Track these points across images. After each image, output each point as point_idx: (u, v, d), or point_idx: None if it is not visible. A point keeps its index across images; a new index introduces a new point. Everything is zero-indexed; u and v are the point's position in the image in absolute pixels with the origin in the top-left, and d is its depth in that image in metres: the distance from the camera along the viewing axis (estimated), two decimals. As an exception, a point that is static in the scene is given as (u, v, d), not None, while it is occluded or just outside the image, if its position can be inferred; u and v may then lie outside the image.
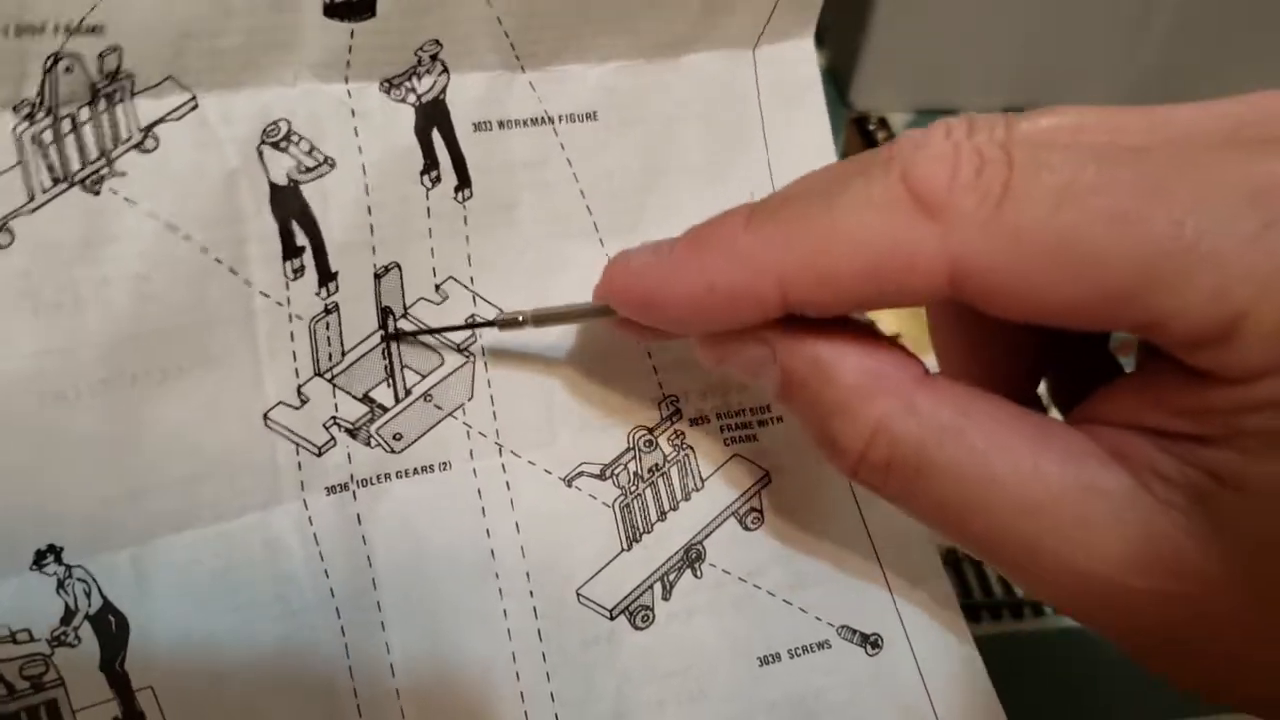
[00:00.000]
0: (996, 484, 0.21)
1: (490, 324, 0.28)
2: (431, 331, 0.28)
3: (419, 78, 0.28)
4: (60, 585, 0.24)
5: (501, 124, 0.29)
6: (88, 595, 0.24)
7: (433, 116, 0.28)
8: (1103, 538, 0.20)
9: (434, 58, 0.28)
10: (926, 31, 0.57)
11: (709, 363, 0.25)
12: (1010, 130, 0.20)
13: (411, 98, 0.28)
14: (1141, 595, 0.20)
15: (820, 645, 0.29)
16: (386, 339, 0.28)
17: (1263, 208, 0.18)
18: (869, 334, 0.23)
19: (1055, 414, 0.24)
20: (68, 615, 0.24)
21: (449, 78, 0.28)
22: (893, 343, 0.23)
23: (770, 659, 0.29)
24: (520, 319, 0.27)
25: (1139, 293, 0.18)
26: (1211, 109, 0.20)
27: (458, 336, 0.28)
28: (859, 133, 0.48)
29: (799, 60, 0.32)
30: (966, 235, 0.19)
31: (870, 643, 0.29)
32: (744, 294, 0.22)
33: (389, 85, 0.27)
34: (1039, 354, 0.25)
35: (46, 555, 0.24)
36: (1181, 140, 0.19)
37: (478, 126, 0.28)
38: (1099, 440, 0.21)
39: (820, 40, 0.32)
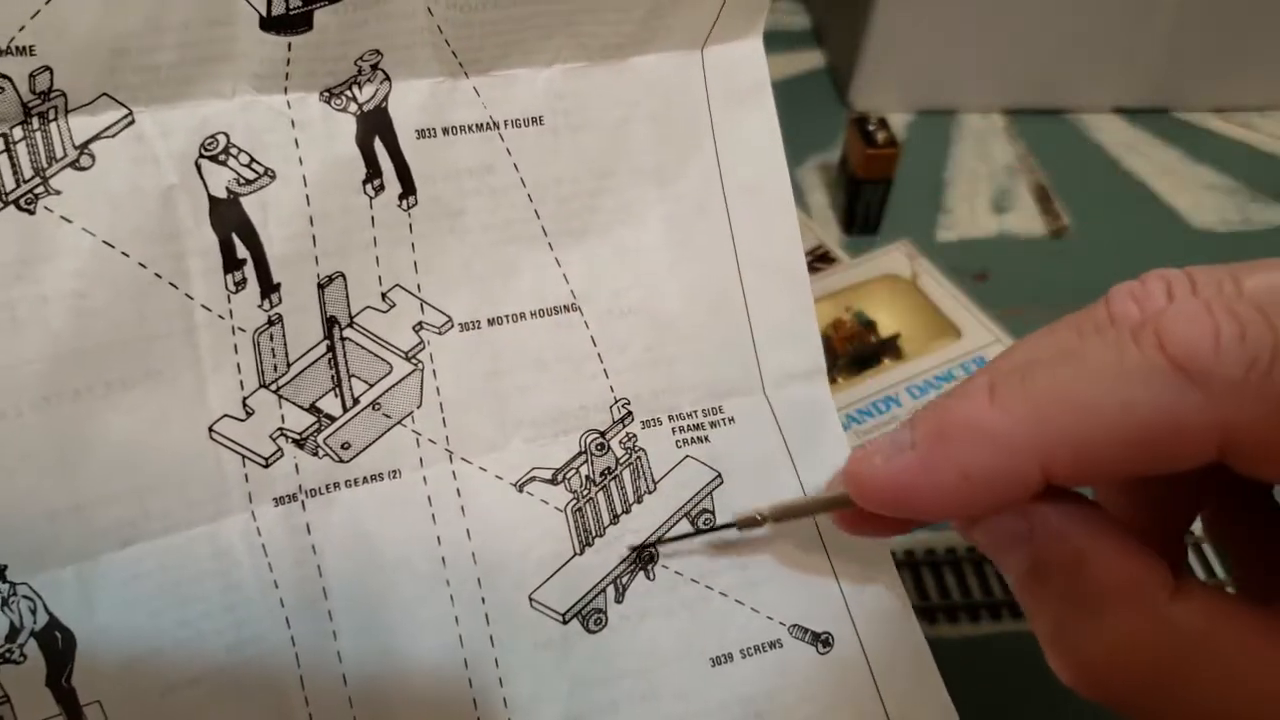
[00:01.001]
0: (1250, 693, 0.20)
1: (730, 526, 0.28)
2: (680, 538, 0.29)
3: (359, 87, 0.27)
4: (4, 603, 0.24)
5: (446, 130, 0.28)
6: (33, 613, 0.24)
7: (375, 125, 0.28)
8: None
9: (374, 66, 0.27)
10: (926, 31, 0.57)
11: (964, 534, 0.24)
12: (1240, 287, 0.20)
13: (353, 107, 0.27)
14: None
15: (772, 645, 0.29)
16: (636, 552, 0.29)
17: None
18: (1124, 530, 0.22)
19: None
20: (12, 633, 0.24)
21: (390, 85, 0.28)
22: (1145, 545, 0.22)
23: (722, 659, 0.29)
24: (760, 517, 0.27)
25: None
26: None
27: (405, 343, 0.28)
28: (859, 133, 0.48)
29: (748, 60, 0.31)
30: (1239, 403, 0.18)
31: (821, 641, 0.29)
32: (1002, 479, 0.21)
33: (329, 95, 0.27)
34: (1202, 495, 0.25)
35: (-10, 573, 0.24)
36: None
37: (421, 134, 0.28)
38: None
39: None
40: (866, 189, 0.48)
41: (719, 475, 0.30)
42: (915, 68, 0.59)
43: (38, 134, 0.24)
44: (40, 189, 0.24)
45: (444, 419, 0.28)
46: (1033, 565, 0.22)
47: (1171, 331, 0.19)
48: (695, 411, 0.30)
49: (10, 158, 0.24)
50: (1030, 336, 0.22)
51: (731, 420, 0.31)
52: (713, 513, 0.30)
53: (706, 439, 0.30)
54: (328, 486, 0.27)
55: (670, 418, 0.30)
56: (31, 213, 0.24)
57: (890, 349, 0.45)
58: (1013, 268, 0.51)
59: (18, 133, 0.24)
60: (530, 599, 0.28)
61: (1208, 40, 0.59)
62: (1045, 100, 0.61)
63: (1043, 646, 0.22)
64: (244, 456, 0.27)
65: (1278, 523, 0.24)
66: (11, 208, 0.24)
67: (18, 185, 0.24)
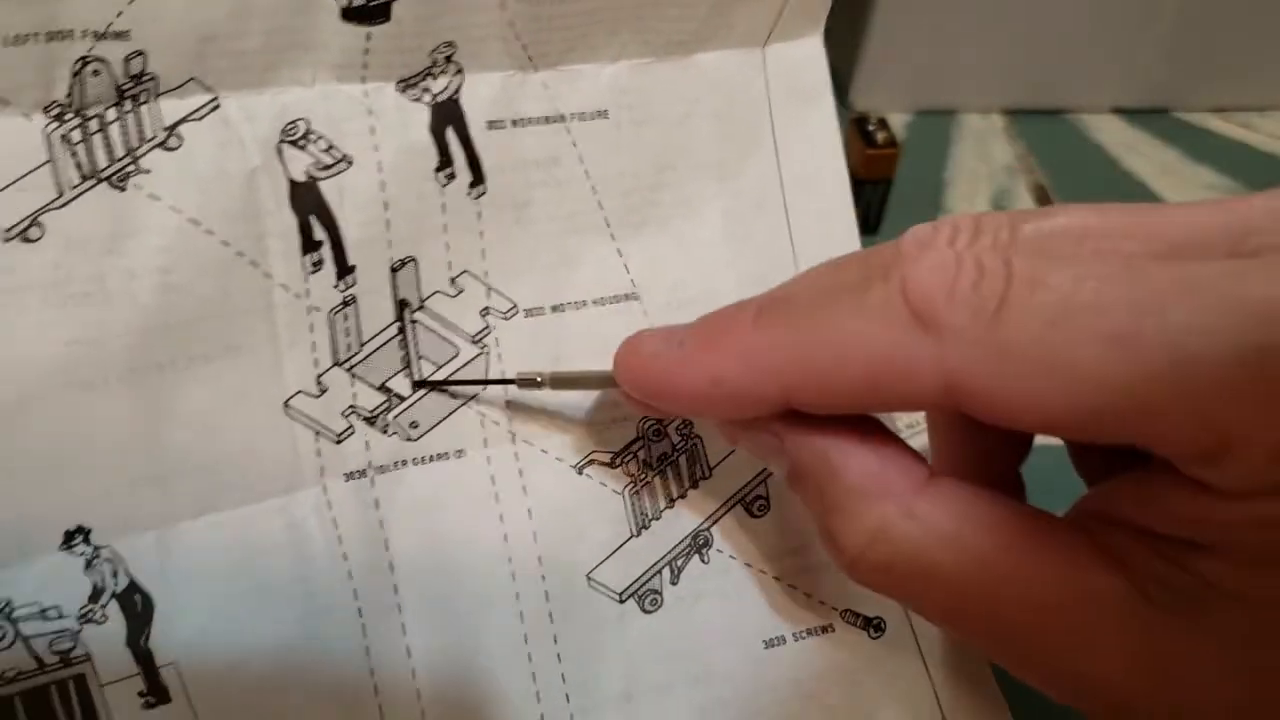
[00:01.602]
0: (996, 590, 0.21)
1: (510, 381, 0.28)
2: (457, 383, 0.29)
3: (434, 78, 0.28)
4: (88, 565, 0.25)
5: (515, 122, 0.29)
6: (115, 575, 0.25)
7: (447, 115, 0.28)
8: (1102, 643, 0.20)
9: (448, 59, 0.28)
10: (926, 31, 0.57)
11: (724, 439, 0.26)
12: (1014, 234, 0.20)
13: (426, 97, 0.28)
14: (1141, 696, 0.20)
15: (824, 629, 0.29)
16: (417, 386, 0.28)
17: (1257, 331, 0.17)
18: (877, 431, 0.23)
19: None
20: (95, 594, 0.25)
21: (463, 77, 0.28)
22: (899, 443, 0.23)
23: (775, 641, 0.29)
24: (539, 380, 0.28)
25: (1131, 413, 0.18)
26: (1217, 213, 0.19)
27: (472, 327, 0.29)
28: (859, 133, 0.48)
29: (809, 59, 0.32)
30: (961, 350, 0.19)
31: (873, 626, 0.30)
32: (747, 393, 0.22)
33: (404, 85, 0.28)
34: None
35: (75, 536, 0.25)
36: (1183, 251, 0.19)
37: (492, 125, 0.29)
38: (1098, 540, 0.21)
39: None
40: (866, 189, 0.48)
41: (773, 463, 0.30)
42: (915, 68, 0.59)
43: (130, 115, 0.25)
44: (131, 167, 0.25)
45: (507, 402, 0.29)
46: (790, 470, 0.24)
47: (914, 278, 0.20)
48: (750, 401, 0.31)
49: (104, 137, 0.25)
50: (827, 263, 0.23)
51: (786, 410, 0.31)
52: (767, 499, 0.30)
53: (761, 428, 0.31)
54: (396, 464, 0.28)
55: (726, 407, 0.31)
56: (122, 190, 0.25)
57: None
58: None
59: (111, 114, 0.25)
60: (588, 578, 0.29)
61: (1208, 40, 0.59)
62: (1045, 100, 0.61)
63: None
64: (317, 432, 0.27)
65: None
66: (104, 184, 0.25)
67: (110, 163, 0.25)
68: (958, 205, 0.54)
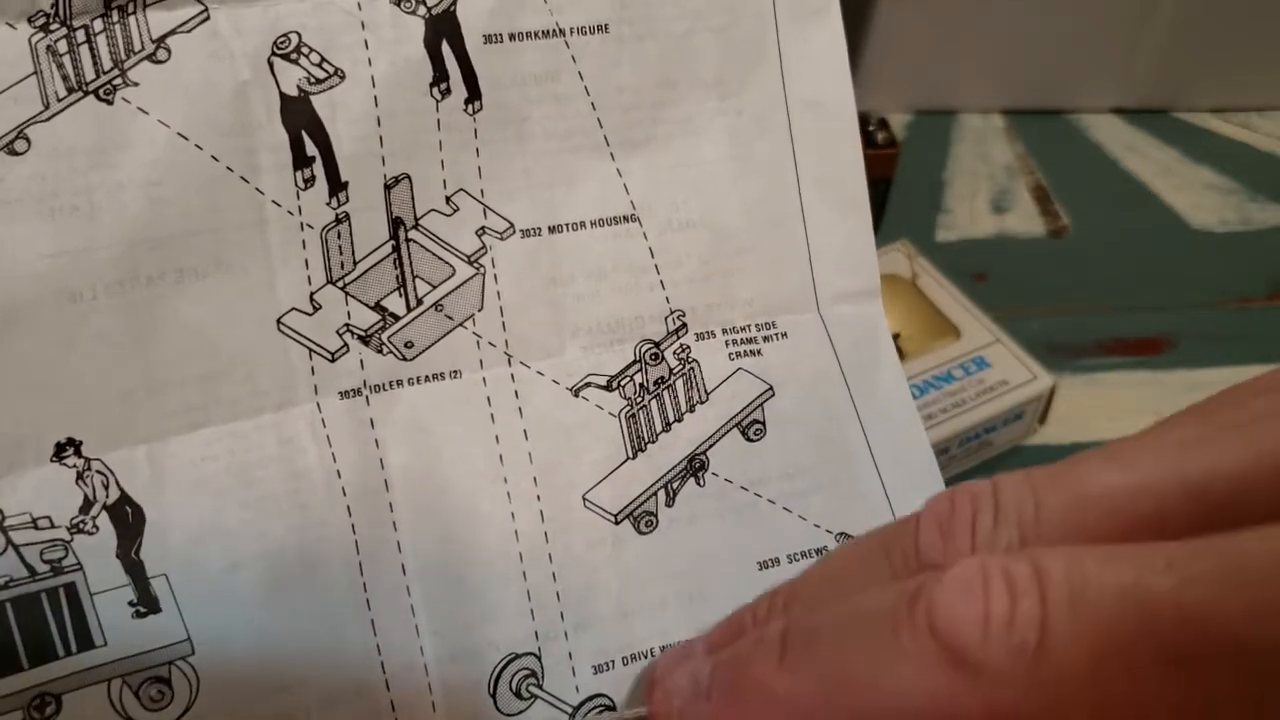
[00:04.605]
0: None
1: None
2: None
3: (428, -10, 0.27)
4: (80, 477, 0.24)
5: (512, 36, 0.28)
6: (106, 487, 0.24)
7: (443, 29, 0.27)
8: None
9: (444, -30, 0.27)
10: (926, 31, 0.55)
11: None
12: (1039, 514, 0.18)
13: (421, 10, 0.27)
14: None
15: (818, 551, 0.29)
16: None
17: None
18: None
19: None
20: (86, 505, 0.24)
21: (459, -10, 0.27)
22: None
23: (769, 563, 0.28)
24: None
25: None
26: (1263, 466, 0.17)
27: (468, 247, 0.28)
28: (859, 133, 0.47)
29: (815, -26, 0.30)
30: (1005, 692, 0.17)
31: (869, 553, 0.29)
32: None
33: (399, -2, 0.27)
34: None
35: (66, 448, 0.24)
36: (1224, 518, 0.17)
37: (488, 39, 0.28)
38: None
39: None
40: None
41: (770, 388, 0.29)
42: (915, 68, 0.58)
43: (117, 26, 0.24)
44: (119, 80, 0.24)
45: (504, 323, 0.28)
46: None
47: (942, 612, 0.18)
48: (749, 326, 0.30)
49: (91, 49, 0.24)
50: (837, 555, 0.21)
51: (785, 335, 0.30)
52: (763, 423, 0.29)
53: (759, 353, 0.30)
54: (391, 383, 0.27)
55: (724, 331, 0.30)
56: (110, 103, 0.24)
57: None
58: (1012, 268, 0.50)
59: (98, 25, 0.24)
60: (584, 499, 0.28)
61: (1207, 40, 0.58)
62: (1045, 100, 0.60)
63: None
64: (310, 350, 0.27)
65: None
66: (91, 97, 0.24)
67: (97, 76, 0.24)
68: (957, 205, 0.53)
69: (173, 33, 0.25)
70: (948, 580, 0.18)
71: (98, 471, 0.24)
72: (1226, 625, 0.15)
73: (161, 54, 0.25)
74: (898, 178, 0.48)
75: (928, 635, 0.18)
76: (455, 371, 0.28)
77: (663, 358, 0.29)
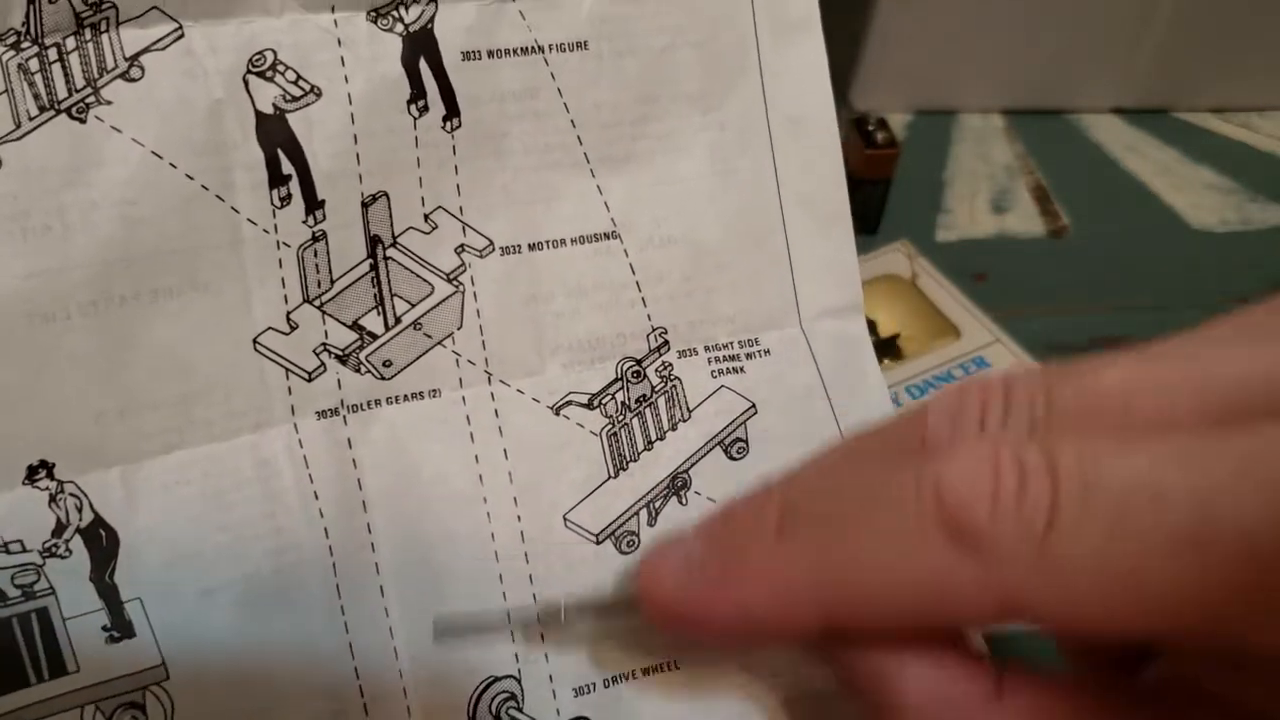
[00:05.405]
0: None
1: (533, 610, 0.27)
2: (481, 618, 0.27)
3: (406, 7, 0.27)
4: (52, 499, 0.24)
5: (491, 53, 0.28)
6: (79, 510, 0.24)
7: (420, 46, 0.27)
8: None
9: (421, -13, 0.27)
10: (926, 31, 0.55)
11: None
12: (1050, 408, 0.18)
13: (399, 27, 0.27)
14: None
15: (802, 573, 0.28)
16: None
17: None
18: (937, 642, 0.20)
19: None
20: (59, 528, 0.24)
21: (436, 7, 0.27)
22: (963, 652, 0.20)
23: (752, 586, 0.28)
24: (562, 616, 0.26)
25: (1211, 620, 0.16)
26: (1260, 358, 0.17)
27: (447, 265, 0.28)
28: (859, 133, 0.47)
29: (797, -11, 0.30)
30: (1013, 573, 0.17)
31: (852, 572, 0.28)
32: (783, 621, 0.19)
33: (376, 14, 0.27)
34: None
35: (39, 471, 0.24)
36: (1236, 410, 0.17)
37: (466, 56, 0.28)
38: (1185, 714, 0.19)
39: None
40: (865, 189, 0.47)
41: (753, 405, 0.29)
42: (915, 68, 0.57)
43: (89, 45, 0.24)
44: (92, 98, 0.24)
45: (483, 341, 0.28)
46: (842, 682, 0.21)
47: (951, 488, 0.17)
48: (731, 343, 0.30)
49: (63, 67, 0.24)
50: (847, 449, 0.21)
51: (767, 352, 0.30)
52: (746, 442, 0.29)
53: (742, 370, 0.29)
54: (369, 403, 0.27)
55: (706, 348, 0.29)
56: (83, 121, 0.24)
57: (890, 349, 0.44)
58: (1012, 268, 0.50)
59: (70, 43, 0.24)
60: (565, 519, 0.28)
61: (1207, 40, 0.57)
62: (1045, 100, 0.60)
63: None
64: (287, 369, 0.26)
65: None
66: (64, 116, 0.24)
67: (70, 94, 0.24)
68: (957, 205, 0.53)
69: (146, 50, 0.25)
70: (958, 458, 0.17)
71: (71, 494, 0.24)
72: (1239, 516, 0.15)
73: (135, 72, 0.25)
74: (898, 178, 0.48)
75: (934, 509, 0.17)
76: (434, 390, 0.28)
77: (645, 375, 0.29)
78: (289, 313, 0.26)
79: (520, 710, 0.26)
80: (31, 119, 0.24)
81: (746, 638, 0.21)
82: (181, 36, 0.25)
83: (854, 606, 0.19)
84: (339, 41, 0.26)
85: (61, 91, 0.24)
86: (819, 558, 0.19)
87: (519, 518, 0.28)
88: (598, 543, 0.28)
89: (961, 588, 0.17)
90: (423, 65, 0.27)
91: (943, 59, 0.57)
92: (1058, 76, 0.59)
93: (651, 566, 0.22)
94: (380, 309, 0.27)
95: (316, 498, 0.26)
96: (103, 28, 0.24)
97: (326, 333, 0.27)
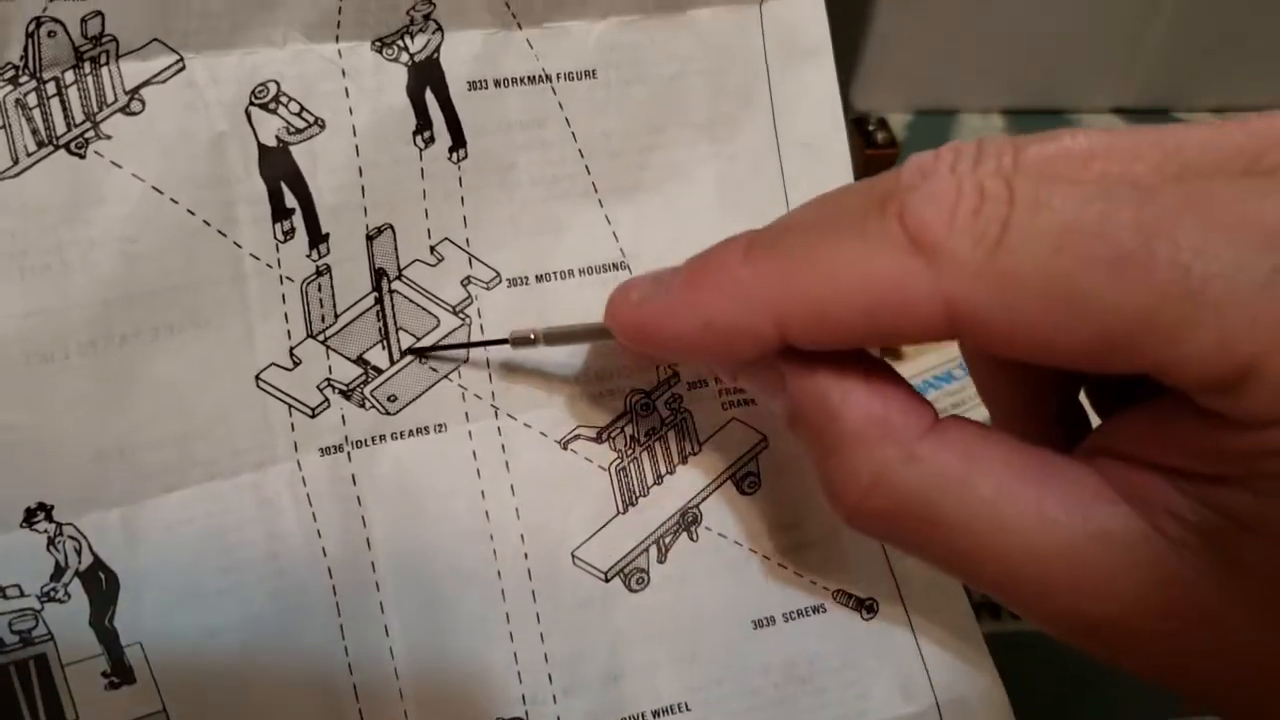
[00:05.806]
0: (1004, 533, 0.19)
1: (503, 342, 0.27)
2: (448, 347, 0.27)
3: (411, 36, 0.26)
4: (51, 543, 0.23)
5: (498, 83, 0.27)
6: (78, 553, 0.24)
7: (426, 76, 0.27)
8: (1114, 584, 0.19)
9: (426, 16, 0.26)
10: (926, 31, 0.55)
11: (726, 379, 0.24)
12: (1018, 158, 0.19)
13: (404, 57, 0.26)
14: (1154, 636, 0.19)
15: (815, 609, 0.28)
16: (406, 353, 0.27)
17: (1273, 251, 0.16)
18: (880, 373, 0.21)
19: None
20: (58, 572, 0.23)
21: (442, 36, 0.27)
22: (903, 385, 0.21)
23: (765, 622, 0.28)
24: (533, 337, 0.26)
25: (1142, 340, 0.17)
26: (1230, 133, 0.18)
27: (453, 298, 0.27)
28: (859, 133, 0.47)
29: (808, 18, 0.30)
30: (962, 279, 0.18)
31: (865, 607, 0.28)
32: (741, 332, 0.21)
33: (381, 44, 0.26)
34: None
35: (37, 513, 0.23)
36: (1194, 171, 0.18)
37: (473, 86, 0.27)
38: (1110, 477, 0.19)
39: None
40: None
41: (764, 438, 0.29)
42: (915, 68, 0.57)
43: (89, 78, 0.24)
44: (91, 133, 0.24)
45: (490, 374, 0.28)
46: (790, 411, 0.22)
47: (913, 204, 0.18)
48: (743, 373, 0.29)
49: (62, 101, 0.24)
50: (823, 195, 0.22)
51: (780, 383, 0.29)
52: (758, 475, 0.29)
53: (752, 401, 0.29)
54: (374, 438, 0.27)
55: (716, 380, 0.29)
56: (82, 157, 0.24)
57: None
58: None
59: (69, 76, 0.24)
60: (573, 556, 0.27)
61: (1208, 40, 0.58)
62: (1045, 100, 0.60)
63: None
64: (290, 406, 0.26)
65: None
66: (62, 151, 0.24)
67: (69, 129, 0.24)
68: None
69: (147, 83, 0.24)
70: (923, 186, 0.19)
71: (70, 536, 0.24)
72: (1180, 236, 0.16)
73: (135, 105, 0.24)
74: (898, 177, 0.48)
75: (895, 223, 0.19)
76: (440, 425, 0.27)
77: (654, 408, 0.28)
78: (292, 348, 0.26)
79: None
80: (29, 155, 0.23)
81: (705, 349, 0.22)
82: (183, 69, 0.24)
83: (810, 313, 0.20)
84: (343, 72, 0.26)
85: (60, 127, 0.24)
86: (781, 271, 0.20)
87: (526, 555, 0.27)
88: (606, 580, 0.27)
89: (913, 295, 0.18)
90: (428, 95, 0.27)
91: (943, 59, 0.57)
92: (1058, 76, 0.59)
93: (623, 285, 0.24)
94: (385, 343, 0.27)
95: (320, 536, 0.26)
96: (102, 61, 0.24)
97: (330, 368, 0.26)
